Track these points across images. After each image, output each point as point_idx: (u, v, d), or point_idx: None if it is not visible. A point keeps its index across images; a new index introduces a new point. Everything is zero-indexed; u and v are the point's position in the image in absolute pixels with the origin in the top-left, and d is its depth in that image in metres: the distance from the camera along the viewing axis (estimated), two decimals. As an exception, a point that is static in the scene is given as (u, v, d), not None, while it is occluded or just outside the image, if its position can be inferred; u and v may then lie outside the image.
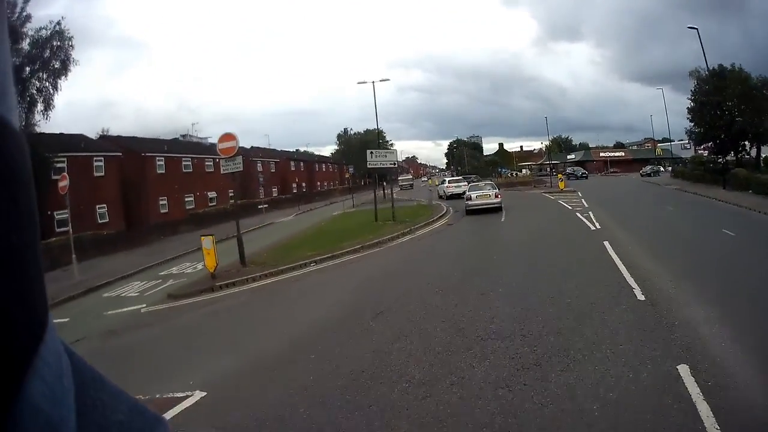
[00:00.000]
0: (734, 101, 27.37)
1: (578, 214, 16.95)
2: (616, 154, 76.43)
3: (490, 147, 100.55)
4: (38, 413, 0.28)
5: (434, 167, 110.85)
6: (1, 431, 0.26)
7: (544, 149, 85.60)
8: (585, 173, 55.43)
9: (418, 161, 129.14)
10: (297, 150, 68.05)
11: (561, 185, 30.42)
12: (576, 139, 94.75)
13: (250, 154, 41.09)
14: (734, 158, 29.22)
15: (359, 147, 69.31)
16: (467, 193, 21.26)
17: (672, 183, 30.89)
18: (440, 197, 30.32)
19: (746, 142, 29.18)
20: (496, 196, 19.84)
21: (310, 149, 77.97)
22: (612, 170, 67.11)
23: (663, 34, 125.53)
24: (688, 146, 73.43)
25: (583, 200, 22.55)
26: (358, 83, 41.68)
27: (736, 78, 27.15)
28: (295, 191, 51.04)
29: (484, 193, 20.15)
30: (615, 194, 26.26)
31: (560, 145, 79.51)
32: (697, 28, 27.65)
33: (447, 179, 37.70)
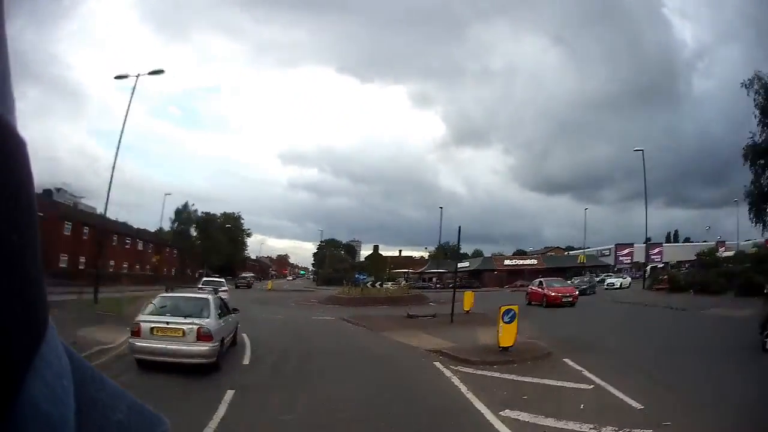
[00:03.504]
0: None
1: None
2: (527, 262, 62.55)
3: (367, 253, 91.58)
4: (38, 412, 0.28)
5: (304, 267, 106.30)
6: (2, 430, 0.26)
7: (426, 257, 76.14)
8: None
9: (289, 260, 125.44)
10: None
11: (467, 304, 18.65)
12: (465, 249, 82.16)
13: None
14: None
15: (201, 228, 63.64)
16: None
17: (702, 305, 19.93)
18: None
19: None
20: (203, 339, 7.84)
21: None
22: (520, 283, 48.47)
23: (573, 141, 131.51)
24: (607, 253, 67.75)
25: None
26: (116, 77, 21.18)
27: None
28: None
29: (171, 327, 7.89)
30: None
31: (446, 253, 66.37)
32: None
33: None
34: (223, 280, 27.42)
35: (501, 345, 9.56)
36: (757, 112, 21.96)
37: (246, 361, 9.47)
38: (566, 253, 74.05)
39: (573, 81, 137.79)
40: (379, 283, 31.69)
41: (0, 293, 0.26)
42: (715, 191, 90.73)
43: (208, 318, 8.23)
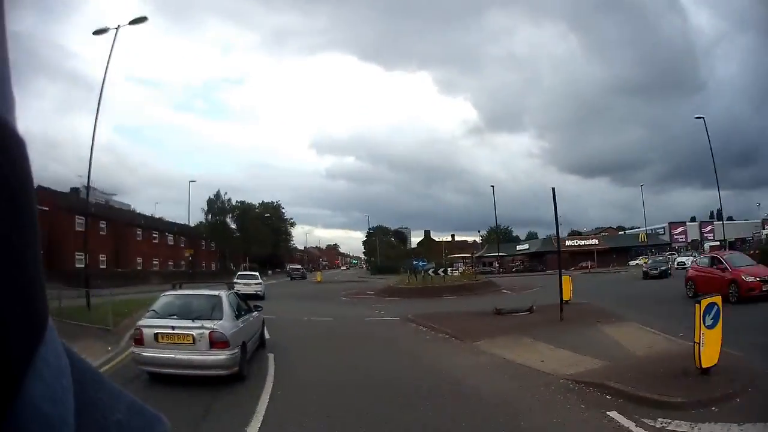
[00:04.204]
0: None
1: None
2: (588, 242, 58.34)
3: (418, 239, 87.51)
4: (38, 413, 0.28)
5: (356, 257, 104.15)
6: (1, 430, 0.26)
7: (479, 241, 72.46)
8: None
9: (339, 249, 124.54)
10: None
11: (566, 292, 13.65)
12: (517, 232, 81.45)
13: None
14: None
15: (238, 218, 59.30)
16: None
17: None
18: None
19: None
20: (218, 346, 6.51)
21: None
22: (587, 264, 49.14)
23: (605, 125, 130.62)
24: (661, 232, 65.45)
25: None
26: (95, 32, 17.78)
27: None
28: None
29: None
30: None
31: (499, 236, 63.62)
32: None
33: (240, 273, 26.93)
34: (257, 273, 25.60)
35: (701, 365, 5.92)
36: None
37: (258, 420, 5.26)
38: (621, 232, 70.87)
39: (596, 67, 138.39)
40: (441, 270, 26.61)
41: (0, 293, 0.26)
42: (744, 172, 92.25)
43: (220, 319, 6.80)
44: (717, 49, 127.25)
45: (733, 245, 38.03)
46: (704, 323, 5.82)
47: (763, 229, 56.86)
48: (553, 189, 12.82)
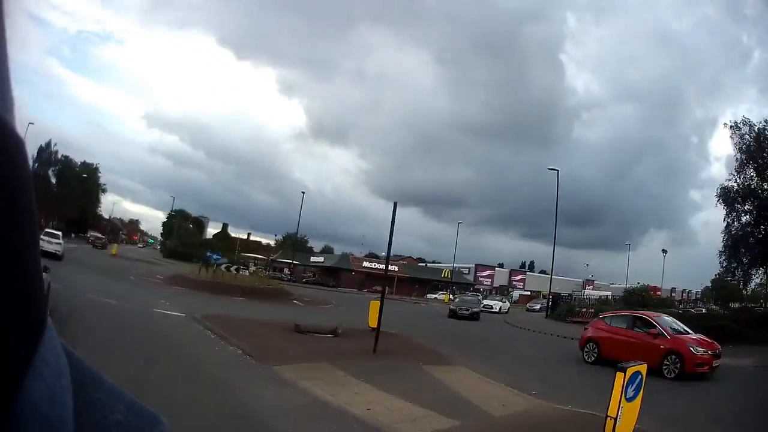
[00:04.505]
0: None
1: None
2: (389, 267, 55.42)
3: (215, 231, 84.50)
4: (37, 412, 0.28)
5: (154, 237, 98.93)
6: (1, 430, 0.26)
7: (273, 244, 70.92)
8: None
9: (140, 226, 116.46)
10: None
11: (373, 319, 11.80)
12: (311, 244, 78.98)
13: None
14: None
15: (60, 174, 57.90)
16: None
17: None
18: None
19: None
20: None
21: None
22: (378, 288, 44.37)
23: (435, 158, 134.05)
24: (466, 272, 64.22)
25: None
26: None
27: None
28: None
29: None
30: None
31: (294, 244, 61.64)
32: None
33: None
34: (60, 233, 25.16)
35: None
36: (739, 155, 21.14)
37: None
38: (420, 264, 70.87)
39: (447, 101, 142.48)
40: (235, 267, 25.18)
41: (0, 293, 0.26)
42: (571, 231, 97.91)
43: None
44: (585, 113, 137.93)
45: (556, 300, 35.79)
46: (625, 394, 4.40)
47: (584, 288, 57.78)
48: (395, 204, 10.54)
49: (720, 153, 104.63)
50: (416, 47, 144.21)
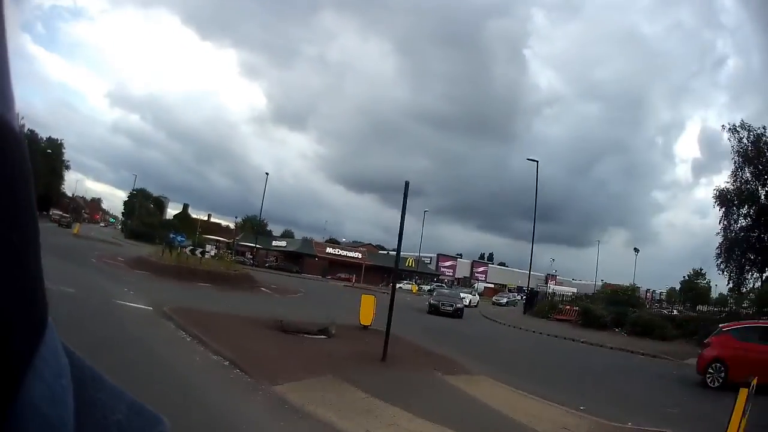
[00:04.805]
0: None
1: None
2: (350, 254, 56.73)
3: (175, 212, 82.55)
4: (37, 413, 0.28)
5: (115, 216, 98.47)
6: (1, 431, 0.26)
7: (233, 227, 68.57)
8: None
9: (102, 205, 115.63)
10: None
11: (365, 316, 11.84)
12: (270, 227, 77.61)
13: None
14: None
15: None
16: None
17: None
18: None
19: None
20: None
21: None
22: (342, 276, 49.04)
23: (393, 147, 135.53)
24: (427, 261, 62.94)
25: None
26: None
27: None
28: None
29: None
30: None
31: (254, 228, 60.91)
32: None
33: None
34: None
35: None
36: (736, 158, 21.00)
37: None
38: (381, 252, 68.90)
39: (407, 91, 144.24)
40: (200, 251, 23.57)
41: (1, 292, 0.26)
42: (529, 225, 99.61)
43: None
44: (547, 109, 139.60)
45: (533, 295, 34.20)
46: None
47: (547, 283, 57.80)
48: (407, 184, 9.39)
49: (686, 156, 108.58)
50: (379, 36, 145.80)
